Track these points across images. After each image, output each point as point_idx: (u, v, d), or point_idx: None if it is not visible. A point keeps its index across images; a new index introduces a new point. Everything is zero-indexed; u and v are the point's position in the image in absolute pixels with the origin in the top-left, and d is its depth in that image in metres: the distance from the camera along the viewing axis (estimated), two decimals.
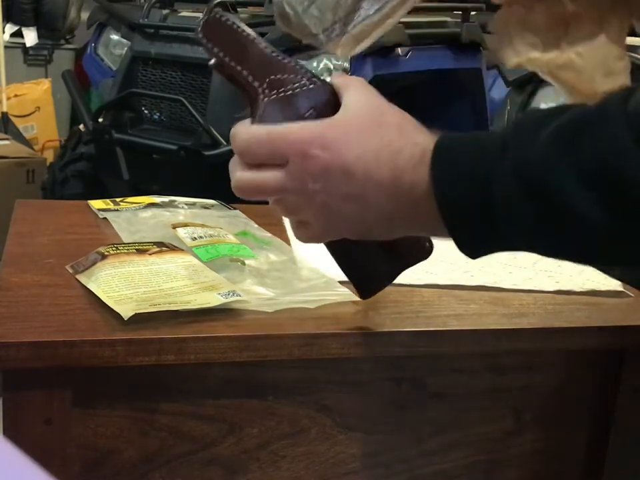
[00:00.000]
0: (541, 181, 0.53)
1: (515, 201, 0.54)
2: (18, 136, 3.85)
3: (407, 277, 0.89)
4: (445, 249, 1.02)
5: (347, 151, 0.59)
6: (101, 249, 0.81)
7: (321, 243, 0.69)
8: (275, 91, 0.64)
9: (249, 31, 0.66)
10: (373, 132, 0.60)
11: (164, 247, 0.83)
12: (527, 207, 0.54)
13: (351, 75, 2.54)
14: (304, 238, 0.66)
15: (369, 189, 0.59)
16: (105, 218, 0.99)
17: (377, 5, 0.68)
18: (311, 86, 0.65)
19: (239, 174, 0.63)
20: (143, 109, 2.80)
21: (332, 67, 2.60)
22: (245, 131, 0.63)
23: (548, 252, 0.59)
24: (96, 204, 1.05)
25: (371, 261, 0.72)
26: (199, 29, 0.67)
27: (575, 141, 0.53)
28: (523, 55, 0.71)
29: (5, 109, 4.01)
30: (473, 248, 0.60)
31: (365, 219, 0.61)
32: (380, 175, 0.59)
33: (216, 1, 2.64)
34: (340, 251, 0.72)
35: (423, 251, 0.73)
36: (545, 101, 1.93)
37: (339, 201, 0.60)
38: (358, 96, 0.62)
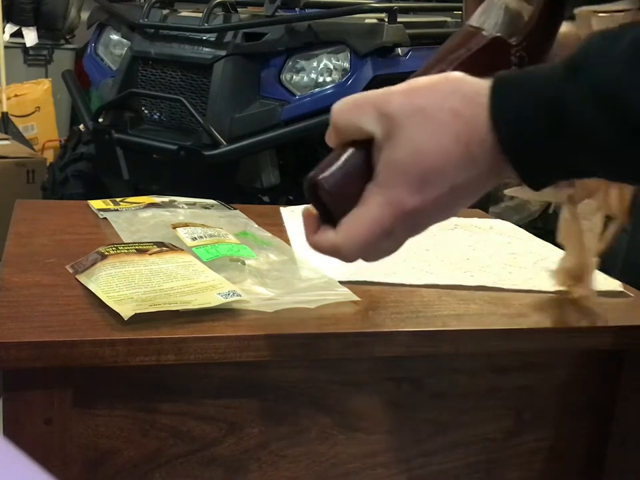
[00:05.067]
0: (622, 97, 0.50)
1: (592, 122, 0.51)
2: (18, 136, 3.85)
3: (407, 276, 0.89)
4: (445, 248, 1.02)
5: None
6: (101, 249, 0.81)
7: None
8: None
9: None
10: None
11: (164, 247, 0.83)
12: (606, 127, 0.51)
13: (350, 74, 2.54)
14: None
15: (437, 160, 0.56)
16: (105, 218, 0.99)
17: None
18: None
19: None
20: (143, 108, 2.81)
21: (332, 66, 2.60)
22: None
23: (626, 175, 0.56)
24: (96, 204, 1.05)
25: None
26: None
27: None
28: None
29: (5, 109, 4.02)
30: (540, 176, 0.56)
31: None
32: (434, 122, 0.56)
33: (216, 1, 2.64)
34: None
35: None
36: None
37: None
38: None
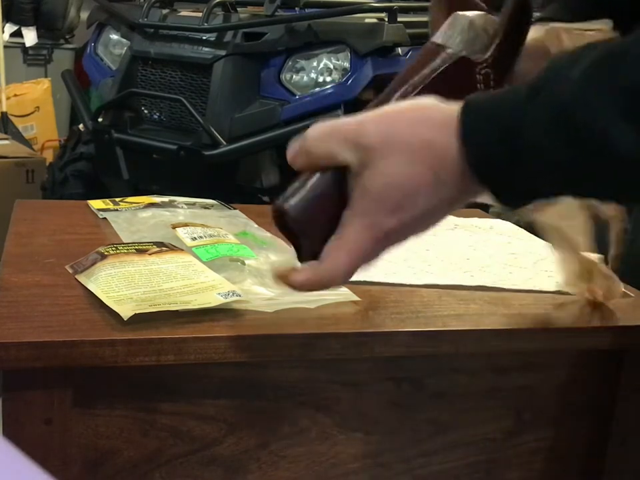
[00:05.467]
0: (577, 120, 0.51)
1: (549, 144, 0.53)
2: (17, 136, 3.85)
3: (407, 276, 0.89)
4: (445, 248, 1.02)
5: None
6: (101, 249, 0.81)
7: None
8: None
9: None
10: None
11: (164, 247, 0.83)
12: (563, 150, 0.52)
13: (351, 74, 2.54)
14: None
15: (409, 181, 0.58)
16: (105, 218, 0.99)
17: None
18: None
19: None
20: (143, 108, 2.81)
21: (332, 66, 2.60)
22: None
23: (589, 194, 0.58)
24: (95, 204, 1.05)
25: None
26: None
27: (613, 74, 0.51)
28: None
29: (4, 109, 4.01)
30: (510, 198, 0.58)
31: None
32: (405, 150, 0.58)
33: (216, 1, 2.64)
34: None
35: None
36: None
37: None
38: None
